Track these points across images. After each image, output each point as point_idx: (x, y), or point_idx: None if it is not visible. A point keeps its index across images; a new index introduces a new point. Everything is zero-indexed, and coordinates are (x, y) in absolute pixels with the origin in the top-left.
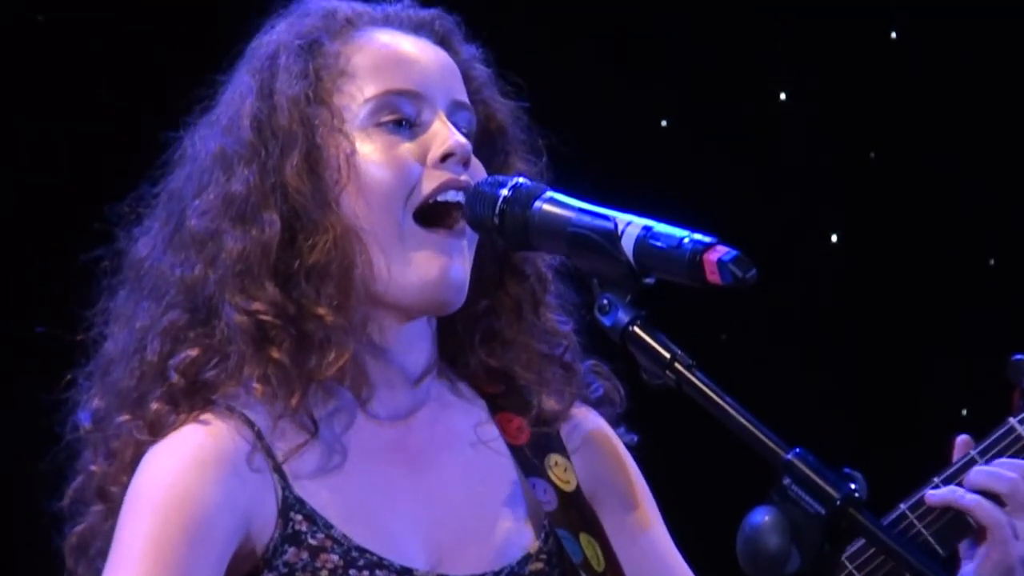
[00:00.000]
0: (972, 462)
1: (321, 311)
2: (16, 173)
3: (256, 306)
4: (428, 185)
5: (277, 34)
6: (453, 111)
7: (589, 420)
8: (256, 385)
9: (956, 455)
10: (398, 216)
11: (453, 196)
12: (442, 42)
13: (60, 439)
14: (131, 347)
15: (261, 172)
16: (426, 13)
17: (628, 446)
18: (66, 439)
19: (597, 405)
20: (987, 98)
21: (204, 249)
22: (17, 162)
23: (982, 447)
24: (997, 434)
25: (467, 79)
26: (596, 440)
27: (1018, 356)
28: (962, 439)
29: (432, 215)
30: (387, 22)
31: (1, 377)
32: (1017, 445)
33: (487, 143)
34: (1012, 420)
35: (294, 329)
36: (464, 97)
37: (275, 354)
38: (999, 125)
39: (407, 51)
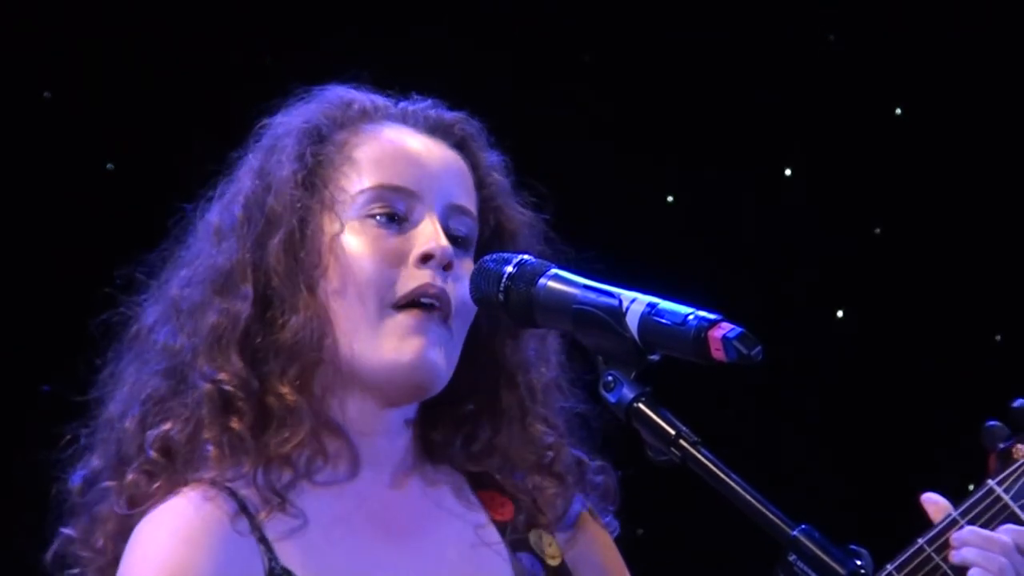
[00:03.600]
0: (954, 523)
1: (283, 389)
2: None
3: (221, 376)
4: (404, 286)
5: (290, 116)
6: (449, 214)
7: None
8: (211, 448)
9: (932, 516)
10: (375, 307)
11: (426, 301)
12: (459, 146)
13: (59, 497)
14: (118, 412)
15: (243, 247)
16: (448, 116)
17: (615, 537)
18: (62, 498)
19: (593, 493)
20: (993, 173)
21: (187, 319)
22: (32, 227)
23: (963, 508)
24: (977, 496)
25: (482, 185)
26: (579, 519)
27: (991, 423)
28: (932, 499)
29: (408, 304)
30: (403, 119)
31: (9, 435)
32: (996, 507)
33: (498, 249)
34: (991, 482)
35: (255, 402)
36: (465, 202)
37: (234, 424)
38: (1005, 198)
39: (411, 148)
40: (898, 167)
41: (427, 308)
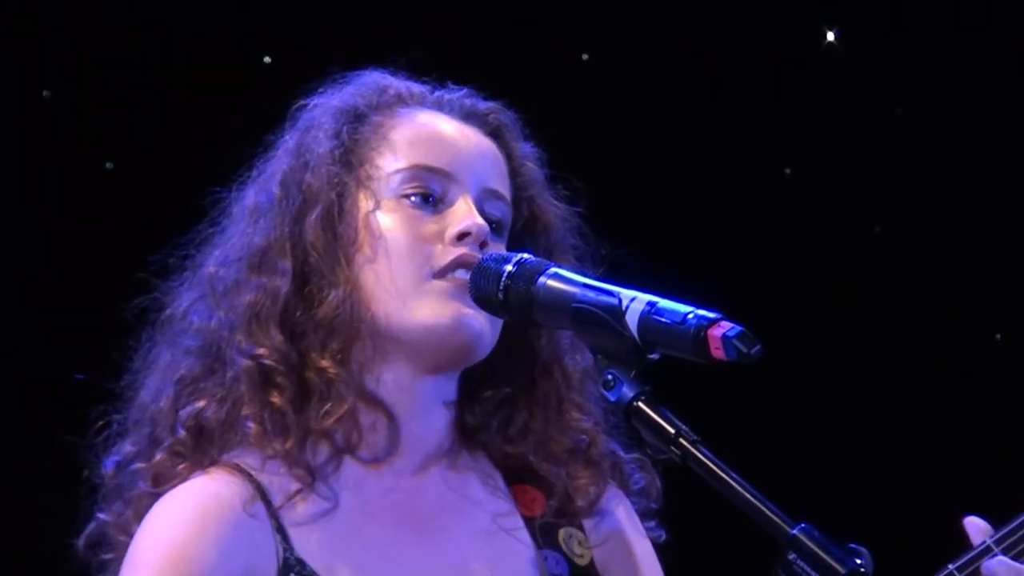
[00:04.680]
0: (988, 550)
1: (324, 363)
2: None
3: (260, 351)
4: (442, 259)
5: (326, 98)
6: (483, 197)
7: (608, 496)
8: (251, 425)
9: (971, 537)
10: (413, 278)
11: (463, 275)
12: (493, 134)
13: (93, 483)
14: (151, 395)
15: (281, 225)
16: (483, 105)
17: (655, 542)
18: (94, 485)
19: (634, 495)
20: (993, 172)
21: (222, 297)
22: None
23: (999, 536)
24: (1015, 523)
25: (516, 175)
26: (614, 516)
27: None
28: (974, 523)
29: (448, 272)
30: (438, 106)
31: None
32: None
33: (531, 242)
34: None
35: (296, 377)
36: (500, 187)
37: (275, 399)
38: (1005, 198)
39: (445, 131)
40: (898, 167)
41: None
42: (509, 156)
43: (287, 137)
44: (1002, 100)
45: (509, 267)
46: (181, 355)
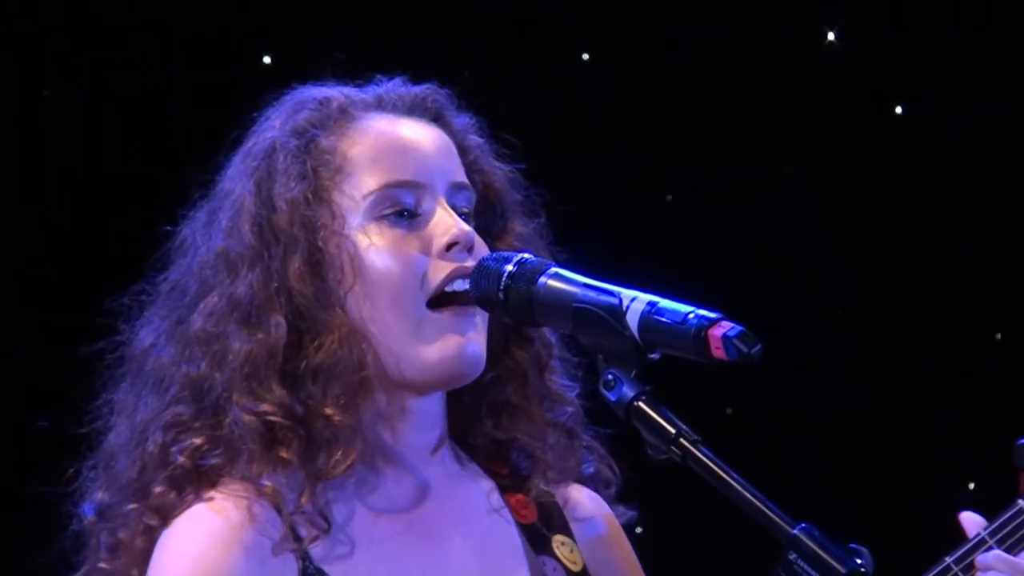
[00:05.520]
0: (983, 543)
1: (329, 411)
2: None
3: (264, 407)
4: (436, 276)
5: (272, 131)
6: (452, 193)
7: (590, 501)
8: (266, 483)
9: (966, 531)
10: (411, 307)
11: (460, 285)
12: (436, 118)
13: (65, 531)
14: (133, 440)
15: (265, 275)
16: (419, 90)
17: (627, 524)
18: (70, 530)
19: (589, 482)
20: (993, 172)
21: (210, 348)
22: (19, 254)
23: (992, 528)
24: (1007, 515)
25: (463, 151)
26: (598, 523)
27: (1023, 441)
28: (969, 518)
29: (442, 300)
30: (380, 106)
31: (5, 470)
32: None
33: (486, 210)
34: (1021, 502)
35: (302, 429)
36: (461, 176)
37: (284, 454)
38: (1005, 198)
39: (403, 138)
40: (898, 167)
41: (461, 303)
42: (454, 135)
43: (240, 173)
44: (1002, 100)
45: (510, 267)
46: (166, 402)
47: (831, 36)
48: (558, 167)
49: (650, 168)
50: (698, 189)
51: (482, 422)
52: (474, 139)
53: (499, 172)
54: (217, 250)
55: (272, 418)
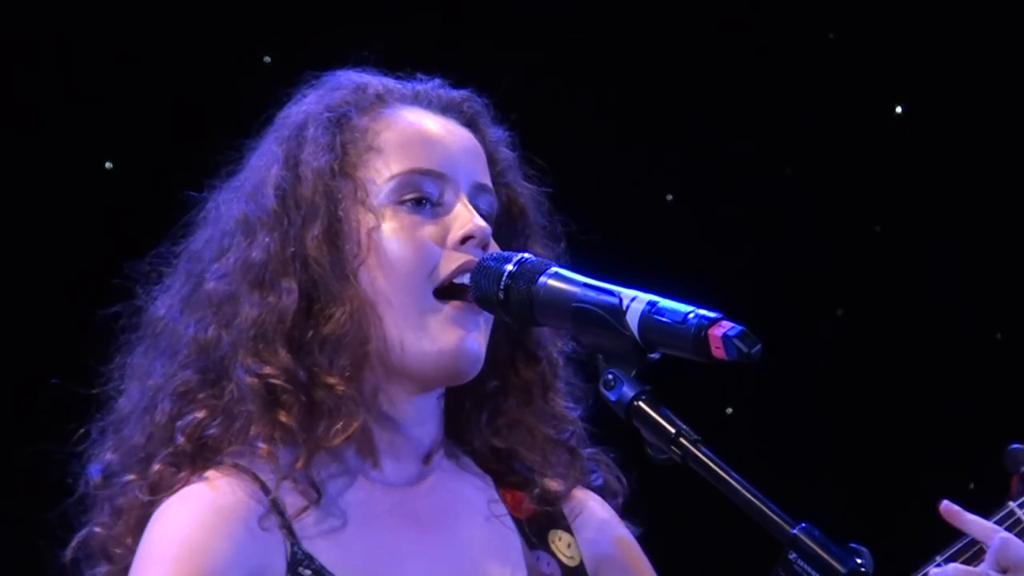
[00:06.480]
0: (973, 543)
1: (332, 380)
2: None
3: (268, 370)
4: (447, 266)
5: (306, 105)
6: (475, 194)
7: (593, 502)
8: (262, 445)
9: (949, 522)
10: (418, 293)
11: (466, 279)
12: (469, 124)
13: (72, 491)
14: (143, 404)
15: (282, 240)
16: (456, 94)
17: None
18: (78, 492)
19: (596, 493)
20: (993, 172)
21: (220, 311)
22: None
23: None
24: (997, 517)
25: (492, 161)
26: (600, 522)
27: (1015, 445)
28: (950, 509)
29: (449, 292)
30: (416, 100)
31: (15, 428)
32: (1017, 528)
33: (508, 225)
34: (1012, 504)
35: (304, 395)
36: (487, 180)
37: (283, 418)
38: (1005, 198)
39: (433, 131)
40: (898, 166)
41: (465, 299)
42: (485, 143)
43: (270, 143)
44: (1002, 100)
45: (510, 267)
46: (177, 367)
47: (831, 35)
48: (558, 167)
49: (650, 167)
50: (698, 189)
51: (481, 429)
52: (505, 152)
53: (526, 191)
54: (237, 215)
55: (274, 381)
